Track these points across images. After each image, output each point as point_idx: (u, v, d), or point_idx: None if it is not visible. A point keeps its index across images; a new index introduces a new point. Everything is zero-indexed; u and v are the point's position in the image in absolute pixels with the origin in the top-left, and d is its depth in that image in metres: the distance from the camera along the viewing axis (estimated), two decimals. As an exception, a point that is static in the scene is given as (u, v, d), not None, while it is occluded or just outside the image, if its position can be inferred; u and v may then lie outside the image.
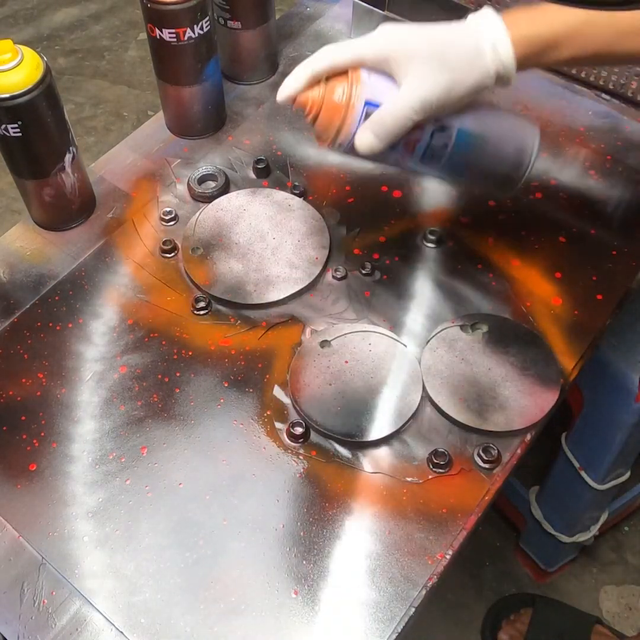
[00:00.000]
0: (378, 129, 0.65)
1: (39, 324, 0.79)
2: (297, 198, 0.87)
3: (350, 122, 0.65)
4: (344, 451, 0.70)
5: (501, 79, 0.66)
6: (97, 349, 0.77)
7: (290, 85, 0.67)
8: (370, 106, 0.65)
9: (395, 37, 0.66)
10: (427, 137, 0.67)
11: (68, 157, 0.81)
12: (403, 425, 0.70)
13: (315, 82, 0.66)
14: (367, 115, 0.65)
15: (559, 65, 0.92)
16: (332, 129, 0.66)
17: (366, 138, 0.66)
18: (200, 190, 0.88)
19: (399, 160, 0.70)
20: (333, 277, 0.82)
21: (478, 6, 1.02)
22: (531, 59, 0.66)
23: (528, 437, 0.70)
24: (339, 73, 0.66)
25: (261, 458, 0.70)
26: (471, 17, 0.66)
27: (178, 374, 0.75)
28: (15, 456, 0.70)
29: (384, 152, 0.67)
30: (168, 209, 0.87)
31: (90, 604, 0.63)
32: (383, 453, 0.69)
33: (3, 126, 0.75)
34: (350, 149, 0.68)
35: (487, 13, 0.65)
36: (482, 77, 0.65)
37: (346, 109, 0.65)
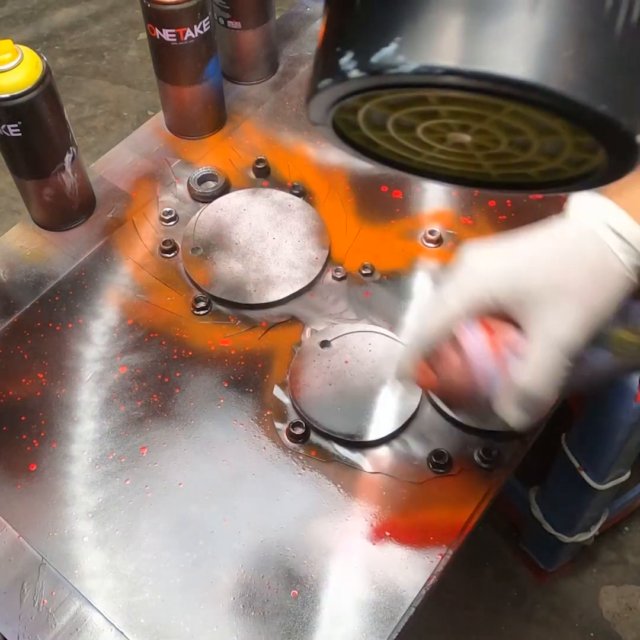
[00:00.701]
0: (525, 402, 0.51)
1: (39, 324, 0.79)
2: (297, 198, 0.87)
3: (481, 394, 0.53)
4: (344, 451, 0.70)
5: None
6: (97, 349, 0.77)
7: (404, 368, 0.57)
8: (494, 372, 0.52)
9: (492, 274, 0.51)
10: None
11: (68, 157, 0.81)
12: (403, 425, 0.70)
13: (427, 357, 0.56)
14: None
15: None
16: (466, 407, 0.58)
17: (515, 417, 0.52)
18: (200, 190, 0.88)
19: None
20: (333, 277, 0.82)
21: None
22: None
23: (528, 437, 0.70)
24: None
25: (261, 458, 0.69)
26: (573, 211, 0.52)
27: (178, 374, 0.75)
28: (15, 456, 0.70)
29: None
30: (168, 209, 0.87)
31: (90, 604, 0.63)
32: (383, 453, 0.69)
33: (3, 126, 0.75)
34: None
35: (589, 200, 0.51)
36: (622, 283, 0.50)
37: (469, 386, 0.53)
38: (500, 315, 0.52)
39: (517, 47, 0.24)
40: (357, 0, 0.27)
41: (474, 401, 0.54)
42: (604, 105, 0.24)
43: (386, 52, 0.25)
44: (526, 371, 0.50)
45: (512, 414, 0.52)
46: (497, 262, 0.52)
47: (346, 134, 0.33)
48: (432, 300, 0.57)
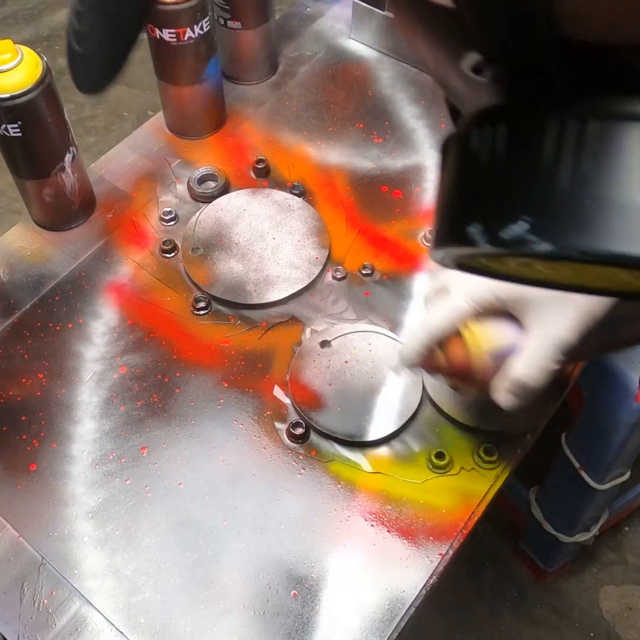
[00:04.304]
0: (517, 390, 0.58)
1: (39, 324, 0.79)
2: (297, 198, 0.87)
3: (484, 380, 0.61)
4: (344, 451, 0.70)
5: None
6: (97, 349, 0.77)
7: (410, 356, 0.63)
8: (498, 357, 0.59)
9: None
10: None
11: (68, 157, 0.81)
12: (403, 425, 0.70)
13: (432, 345, 0.62)
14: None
15: None
16: (469, 391, 0.65)
17: (508, 402, 0.59)
18: (200, 190, 0.88)
19: None
20: (333, 277, 0.82)
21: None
22: None
23: (528, 437, 0.70)
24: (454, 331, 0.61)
25: (261, 458, 0.70)
26: None
27: (178, 374, 0.75)
28: (15, 456, 0.70)
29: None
30: (168, 209, 0.87)
31: (90, 604, 0.63)
32: (383, 453, 0.69)
33: (3, 126, 0.75)
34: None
35: None
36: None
37: (472, 371, 0.61)
38: (502, 312, 0.59)
39: None
40: (485, 173, 0.27)
41: (473, 385, 0.62)
42: None
43: (517, 230, 0.25)
44: (522, 365, 0.57)
45: (504, 400, 0.59)
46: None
47: (465, 263, 0.33)
48: (433, 298, 0.63)
